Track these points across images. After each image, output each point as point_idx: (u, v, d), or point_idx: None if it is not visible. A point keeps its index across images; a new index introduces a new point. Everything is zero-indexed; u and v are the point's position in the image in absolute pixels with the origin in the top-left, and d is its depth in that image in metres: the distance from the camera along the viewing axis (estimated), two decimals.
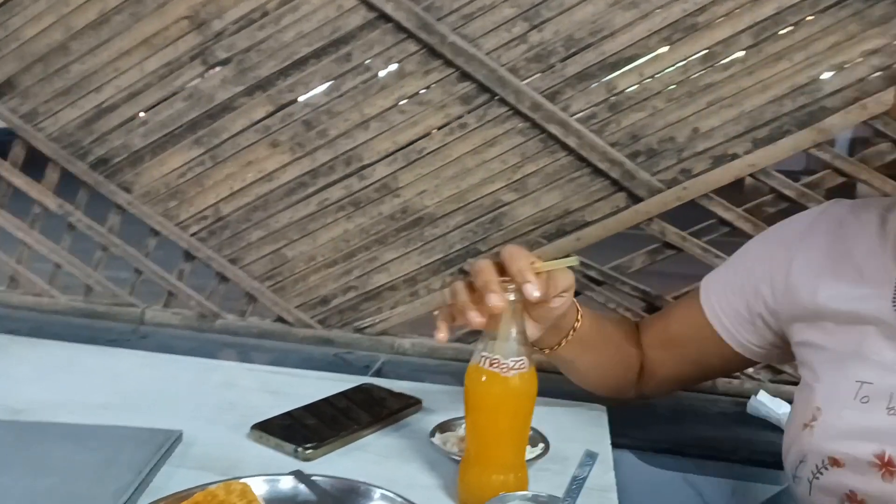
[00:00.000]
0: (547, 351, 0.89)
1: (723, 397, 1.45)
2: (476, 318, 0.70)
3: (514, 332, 0.68)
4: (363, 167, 1.53)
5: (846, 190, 1.58)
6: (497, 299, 0.66)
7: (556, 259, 0.77)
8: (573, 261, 0.77)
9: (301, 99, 1.54)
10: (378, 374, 1.48)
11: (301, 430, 0.90)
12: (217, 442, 0.89)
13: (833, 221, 0.65)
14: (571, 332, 0.86)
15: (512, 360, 0.68)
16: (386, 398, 1.03)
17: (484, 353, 0.69)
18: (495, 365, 0.68)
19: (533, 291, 0.69)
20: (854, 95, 1.34)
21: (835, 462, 0.59)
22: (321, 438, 0.87)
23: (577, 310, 0.88)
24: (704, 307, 0.86)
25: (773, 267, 0.75)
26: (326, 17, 1.49)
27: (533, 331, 0.83)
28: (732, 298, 0.83)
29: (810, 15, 1.33)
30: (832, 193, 1.43)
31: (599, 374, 0.95)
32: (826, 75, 1.35)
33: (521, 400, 0.69)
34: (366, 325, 1.60)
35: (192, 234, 1.64)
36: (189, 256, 1.66)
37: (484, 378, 0.68)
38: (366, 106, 1.51)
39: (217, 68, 1.57)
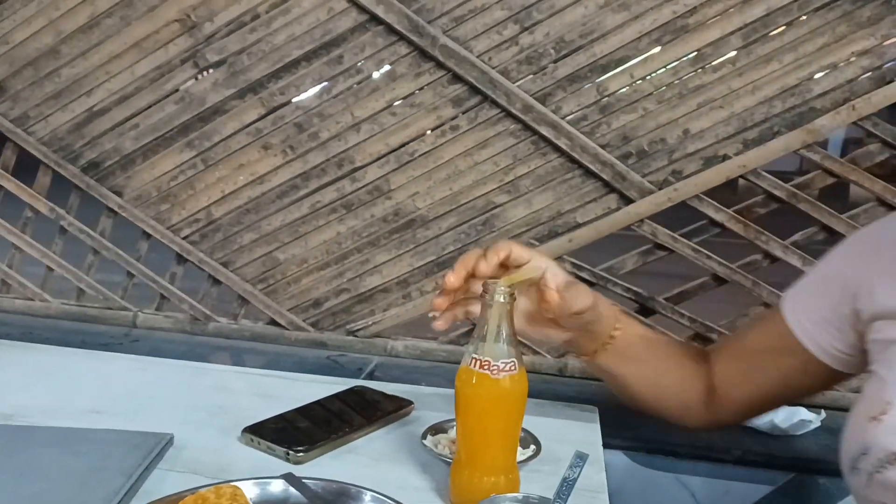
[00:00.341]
0: (585, 358, 0.88)
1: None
2: (451, 279, 0.74)
3: (503, 333, 0.69)
4: (355, 169, 1.54)
5: (840, 190, 1.59)
6: (451, 277, 0.72)
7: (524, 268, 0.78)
8: (533, 272, 0.78)
9: (295, 100, 1.54)
10: (371, 376, 1.48)
11: (292, 433, 0.90)
12: (208, 445, 0.89)
13: None
14: (609, 340, 0.84)
15: (502, 362, 0.68)
16: (378, 400, 1.03)
17: (474, 356, 0.69)
18: (485, 367, 0.68)
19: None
20: (844, 96, 1.35)
21: None
22: (312, 441, 0.87)
23: (617, 318, 0.85)
24: (786, 314, 0.80)
25: (862, 265, 0.73)
26: (317, 19, 1.49)
27: (560, 334, 0.84)
28: (819, 302, 0.78)
29: (799, 16, 1.34)
30: (825, 194, 1.45)
31: (651, 390, 0.89)
32: (816, 76, 1.36)
33: (511, 401, 0.69)
34: (358, 327, 1.60)
35: (184, 238, 1.64)
36: (181, 259, 1.66)
37: (474, 380, 0.68)
38: (357, 108, 1.51)
39: (208, 71, 1.56)
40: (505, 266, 0.80)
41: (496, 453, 0.71)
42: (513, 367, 0.68)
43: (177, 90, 1.58)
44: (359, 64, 1.50)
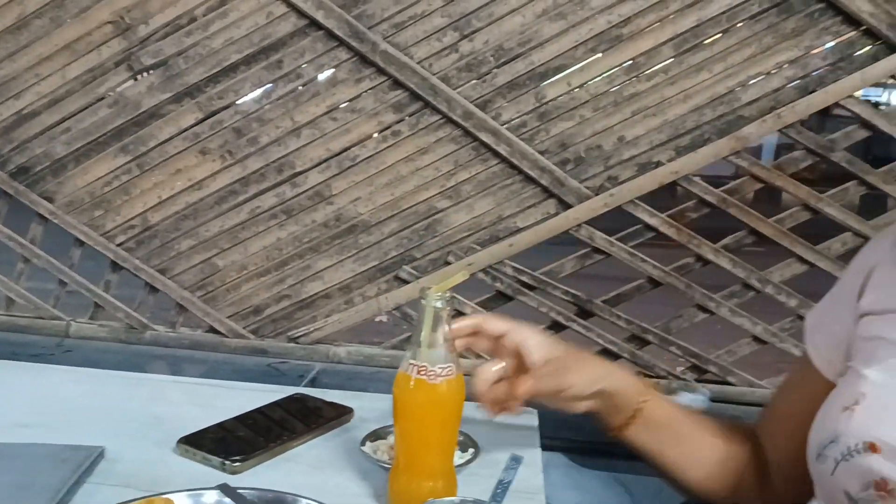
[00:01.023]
0: (614, 434, 0.84)
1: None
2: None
3: (440, 339, 0.69)
4: (295, 175, 1.52)
5: (772, 195, 1.65)
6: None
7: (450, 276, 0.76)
8: (463, 275, 0.76)
9: (239, 101, 1.51)
10: (313, 383, 1.47)
11: (230, 442, 0.89)
12: (142, 458, 0.87)
13: None
14: (636, 413, 0.80)
15: (439, 367, 0.69)
16: (318, 408, 1.03)
17: (412, 361, 0.70)
18: (423, 372, 0.68)
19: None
20: (770, 105, 1.40)
21: (871, 447, 0.58)
22: (250, 450, 0.86)
23: (642, 391, 0.81)
24: (813, 356, 0.75)
25: (859, 276, 0.71)
26: (256, 23, 1.48)
27: (572, 405, 0.80)
28: (836, 331, 0.73)
29: (728, 27, 1.39)
30: (757, 198, 1.50)
31: (695, 469, 0.82)
32: (744, 85, 1.41)
33: (448, 407, 0.70)
34: (300, 334, 1.59)
35: (119, 244, 1.60)
36: (116, 267, 1.62)
37: (412, 385, 0.69)
38: (297, 113, 1.50)
39: (144, 74, 1.53)
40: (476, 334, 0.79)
41: (434, 458, 0.72)
42: (450, 372, 0.69)
43: (110, 94, 1.54)
44: (298, 69, 1.49)
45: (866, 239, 1.41)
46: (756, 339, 1.48)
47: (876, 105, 1.48)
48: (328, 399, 1.06)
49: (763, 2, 1.36)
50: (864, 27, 1.34)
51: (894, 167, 1.41)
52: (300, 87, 1.50)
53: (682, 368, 1.54)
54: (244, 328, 1.60)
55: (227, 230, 1.56)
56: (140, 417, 0.99)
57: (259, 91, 1.51)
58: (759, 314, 1.50)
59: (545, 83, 1.44)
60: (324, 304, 1.58)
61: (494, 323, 0.79)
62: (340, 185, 1.52)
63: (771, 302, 1.48)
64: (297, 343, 1.59)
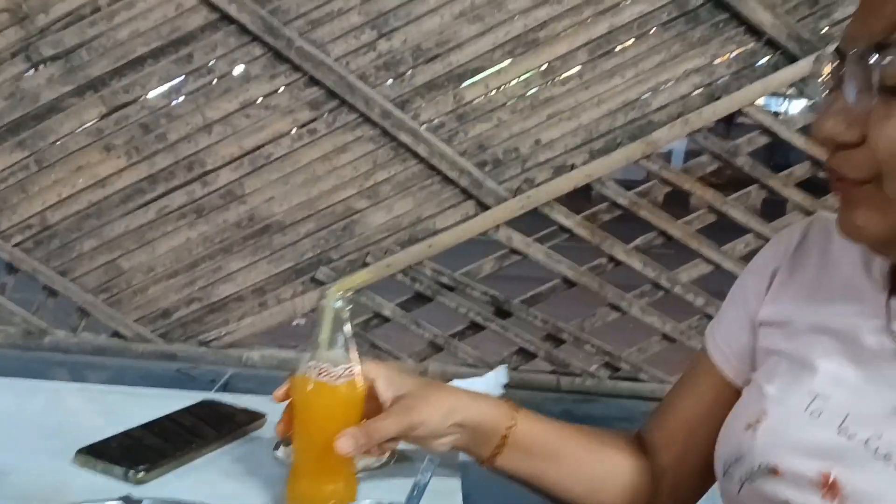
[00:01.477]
0: (486, 464, 0.75)
1: (566, 395, 1.52)
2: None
3: (340, 339, 0.68)
4: (206, 173, 1.48)
5: (682, 197, 1.70)
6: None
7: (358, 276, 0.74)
8: (367, 274, 0.74)
9: (147, 96, 1.45)
10: (225, 388, 1.43)
11: (135, 451, 0.84)
12: (39, 470, 0.82)
13: (822, 233, 0.61)
14: (503, 441, 0.73)
15: (342, 368, 0.67)
16: (230, 414, 0.99)
17: (311, 363, 0.68)
18: (323, 373, 0.66)
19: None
20: (678, 111, 1.45)
21: (774, 471, 0.56)
22: (157, 459, 0.82)
23: (510, 415, 0.74)
24: (717, 358, 0.71)
25: (761, 282, 0.68)
26: (165, 15, 1.42)
27: (436, 444, 0.71)
28: (737, 332, 0.70)
29: (639, 35, 1.43)
30: (668, 201, 1.54)
31: (580, 488, 0.77)
32: (654, 91, 1.45)
33: (351, 407, 0.69)
34: (211, 337, 1.54)
35: (16, 245, 1.51)
36: (12, 269, 1.53)
37: (312, 387, 0.67)
38: (209, 109, 1.45)
39: (43, 66, 1.45)
40: None
41: (336, 460, 0.70)
42: (352, 373, 0.68)
43: (5, 85, 1.45)
44: (210, 63, 1.44)
45: (767, 240, 1.48)
46: (665, 336, 1.53)
47: (776, 115, 1.55)
48: (241, 405, 1.03)
49: (672, 11, 1.41)
50: (765, 38, 1.41)
51: (793, 172, 1.48)
52: (212, 83, 1.45)
53: (597, 366, 1.58)
54: (152, 332, 1.53)
55: (134, 230, 1.50)
56: (37, 427, 0.93)
57: (168, 86, 1.46)
58: (670, 312, 1.55)
59: (464, 85, 1.45)
60: (236, 306, 1.53)
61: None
62: (254, 184, 1.48)
63: (680, 301, 1.53)
64: (209, 347, 1.54)
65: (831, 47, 0.49)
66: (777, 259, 0.67)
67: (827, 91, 0.51)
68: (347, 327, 0.68)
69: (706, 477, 0.72)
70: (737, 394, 0.68)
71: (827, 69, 0.50)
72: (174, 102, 1.45)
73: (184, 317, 1.53)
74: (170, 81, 1.45)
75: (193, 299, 1.52)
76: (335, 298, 0.67)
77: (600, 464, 0.77)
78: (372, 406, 0.75)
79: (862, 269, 0.58)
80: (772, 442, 0.57)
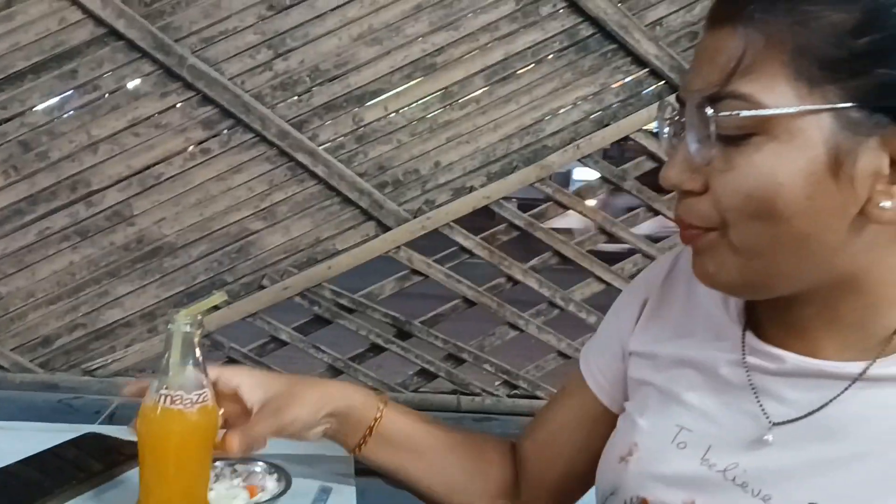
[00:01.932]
0: (353, 452, 0.78)
1: (467, 415, 1.54)
2: None
3: (190, 364, 0.66)
4: (91, 193, 1.41)
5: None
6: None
7: (205, 301, 0.72)
8: (219, 298, 0.73)
9: (27, 112, 1.37)
10: (111, 419, 1.35)
11: (12, 488, 0.79)
12: None
13: (689, 264, 0.62)
14: (371, 431, 0.75)
15: (195, 394, 0.65)
16: (115, 446, 0.94)
17: (162, 391, 0.65)
18: (176, 401, 0.64)
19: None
20: (570, 136, 1.51)
21: (644, 502, 0.58)
22: (37, 496, 0.77)
23: (376, 407, 0.76)
24: (586, 377, 0.73)
25: (633, 310, 0.70)
26: (47, 29, 1.35)
27: (303, 435, 0.74)
28: (610, 359, 0.72)
29: (533, 62, 1.48)
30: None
31: (439, 484, 0.79)
32: (548, 117, 1.50)
33: (207, 434, 0.67)
34: (96, 366, 1.46)
35: None
36: None
37: (164, 416, 0.65)
38: (95, 127, 1.39)
39: None
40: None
41: (194, 488, 0.68)
42: (205, 399, 0.66)
43: None
44: (96, 80, 1.38)
45: (653, 259, 1.55)
46: (561, 354, 1.57)
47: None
48: (127, 437, 0.98)
49: (563, 40, 1.47)
50: (650, 68, 1.49)
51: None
52: (98, 100, 1.39)
53: (496, 384, 1.60)
54: (31, 361, 1.44)
55: (11, 253, 1.40)
56: None
57: (50, 102, 1.38)
58: (564, 330, 1.59)
59: (363, 106, 1.45)
60: (124, 332, 1.46)
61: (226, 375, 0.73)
62: (143, 205, 1.42)
63: (574, 318, 1.58)
64: (94, 376, 1.46)
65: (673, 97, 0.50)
66: (647, 289, 0.69)
67: (672, 136, 0.52)
68: (198, 352, 0.66)
69: (570, 490, 0.76)
70: (607, 413, 0.71)
71: (669, 115, 0.52)
72: (57, 119, 1.38)
73: (66, 344, 1.45)
74: (53, 98, 1.37)
75: (77, 325, 1.44)
76: (184, 322, 0.65)
77: (462, 466, 0.79)
78: (236, 409, 0.73)
79: (721, 304, 0.60)
80: (641, 474, 0.59)
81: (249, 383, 0.73)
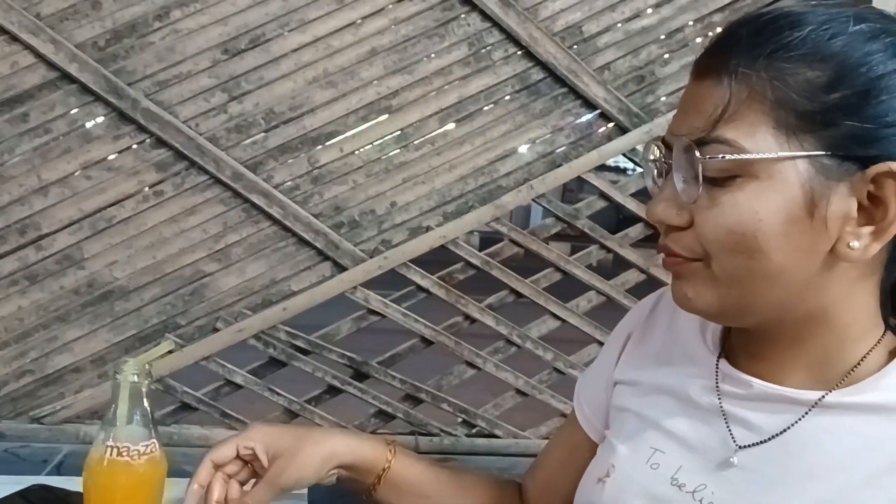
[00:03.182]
0: (364, 496, 0.78)
1: (425, 455, 1.53)
2: None
3: (138, 415, 0.65)
4: (41, 237, 1.38)
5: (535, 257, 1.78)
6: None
7: (152, 350, 0.72)
8: (167, 346, 0.73)
9: None
10: (59, 469, 1.31)
11: None
12: None
13: (671, 302, 0.66)
14: (380, 478, 0.76)
15: (142, 445, 0.65)
16: (62, 498, 0.92)
17: (109, 443, 0.64)
18: (123, 453, 0.64)
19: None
20: (524, 177, 1.53)
21: None
22: None
23: (386, 454, 0.77)
24: (577, 412, 0.76)
25: (618, 343, 0.73)
26: None
27: (322, 480, 0.74)
28: (596, 392, 0.74)
29: (486, 105, 1.51)
30: (526, 260, 1.60)
31: None
32: (501, 159, 1.53)
33: (154, 485, 0.66)
34: (45, 413, 1.42)
35: None
36: None
37: (111, 468, 0.64)
38: (45, 170, 1.37)
39: None
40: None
41: None
42: (153, 449, 0.65)
43: None
44: (48, 123, 1.37)
45: (608, 298, 1.58)
46: (518, 391, 1.58)
47: (624, 170, 1.67)
48: (75, 488, 0.95)
49: (515, 84, 1.50)
50: (599, 110, 1.53)
51: (628, 233, 1.60)
52: (49, 143, 1.37)
53: (455, 424, 1.60)
54: None
55: None
56: None
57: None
58: (522, 367, 1.60)
59: (318, 148, 1.46)
60: (73, 378, 1.43)
61: (223, 449, 0.74)
62: (94, 248, 1.40)
63: (531, 355, 1.59)
64: (42, 424, 1.42)
65: (658, 128, 0.55)
66: (632, 325, 0.73)
67: (657, 175, 0.56)
68: (146, 402, 0.66)
69: None
70: (593, 449, 0.72)
71: (655, 156, 0.56)
72: (7, 163, 1.36)
73: (13, 391, 1.41)
74: (2, 141, 1.36)
75: (25, 372, 1.40)
76: (132, 372, 0.64)
77: None
78: (249, 471, 0.75)
79: (698, 334, 0.64)
80: (616, 495, 0.62)
81: (263, 442, 0.74)
